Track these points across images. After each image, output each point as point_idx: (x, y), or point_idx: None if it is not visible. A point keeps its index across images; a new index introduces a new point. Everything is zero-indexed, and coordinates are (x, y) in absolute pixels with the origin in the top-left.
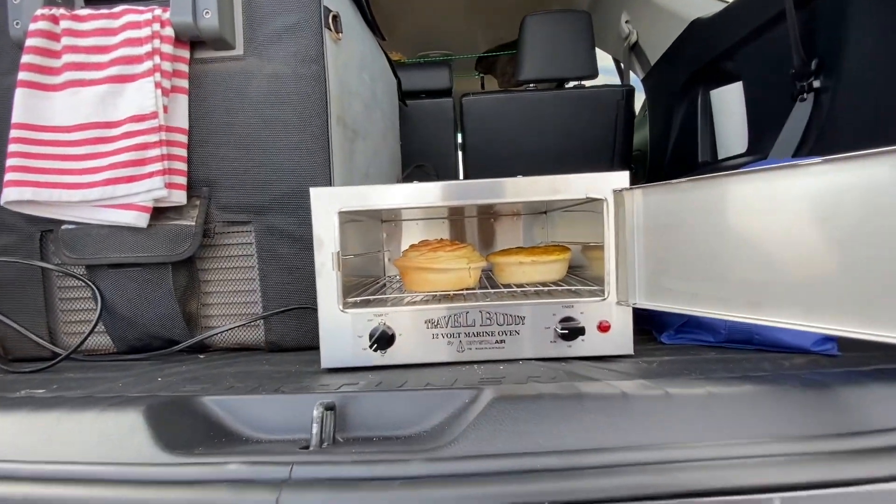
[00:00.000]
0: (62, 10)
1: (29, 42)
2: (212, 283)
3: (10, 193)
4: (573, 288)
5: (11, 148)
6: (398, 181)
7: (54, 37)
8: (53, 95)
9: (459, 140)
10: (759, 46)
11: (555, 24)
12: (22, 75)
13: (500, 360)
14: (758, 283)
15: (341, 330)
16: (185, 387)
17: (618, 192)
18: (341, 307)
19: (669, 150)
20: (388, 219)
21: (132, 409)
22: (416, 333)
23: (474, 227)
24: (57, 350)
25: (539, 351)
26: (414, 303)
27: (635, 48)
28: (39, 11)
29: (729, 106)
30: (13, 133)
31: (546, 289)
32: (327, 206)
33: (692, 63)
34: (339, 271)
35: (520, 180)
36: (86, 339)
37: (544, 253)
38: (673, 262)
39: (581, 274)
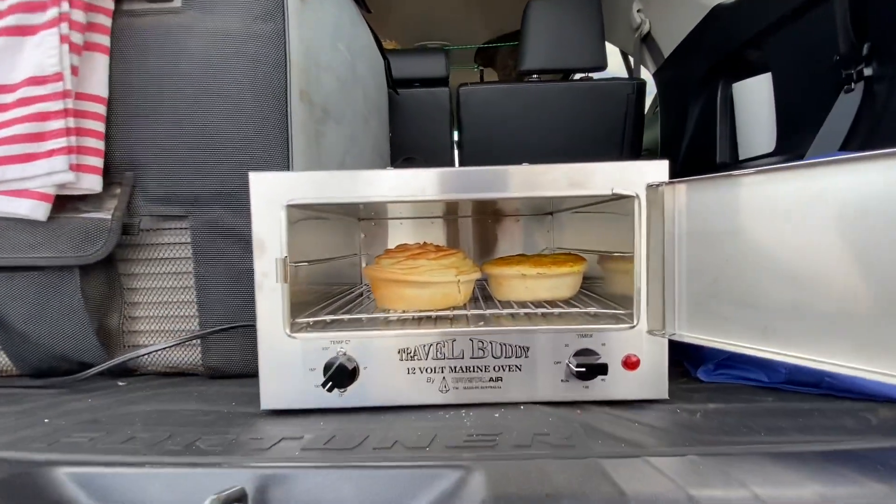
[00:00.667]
0: None
1: None
2: (139, 293)
3: None
4: (591, 311)
5: None
6: None
7: None
8: None
9: (455, 136)
10: (794, 32)
11: (561, 10)
12: None
13: (497, 402)
14: (875, 317)
15: (288, 360)
16: (67, 438)
17: (653, 188)
18: (288, 331)
19: (683, 150)
20: (368, 217)
21: None
22: (387, 367)
23: (469, 230)
24: None
25: (547, 392)
26: (385, 325)
27: (647, 39)
28: None
29: (754, 100)
30: None
31: (556, 311)
32: (271, 196)
33: (712, 54)
34: (286, 283)
35: (527, 169)
36: None
37: (554, 264)
38: (731, 280)
39: (596, 290)
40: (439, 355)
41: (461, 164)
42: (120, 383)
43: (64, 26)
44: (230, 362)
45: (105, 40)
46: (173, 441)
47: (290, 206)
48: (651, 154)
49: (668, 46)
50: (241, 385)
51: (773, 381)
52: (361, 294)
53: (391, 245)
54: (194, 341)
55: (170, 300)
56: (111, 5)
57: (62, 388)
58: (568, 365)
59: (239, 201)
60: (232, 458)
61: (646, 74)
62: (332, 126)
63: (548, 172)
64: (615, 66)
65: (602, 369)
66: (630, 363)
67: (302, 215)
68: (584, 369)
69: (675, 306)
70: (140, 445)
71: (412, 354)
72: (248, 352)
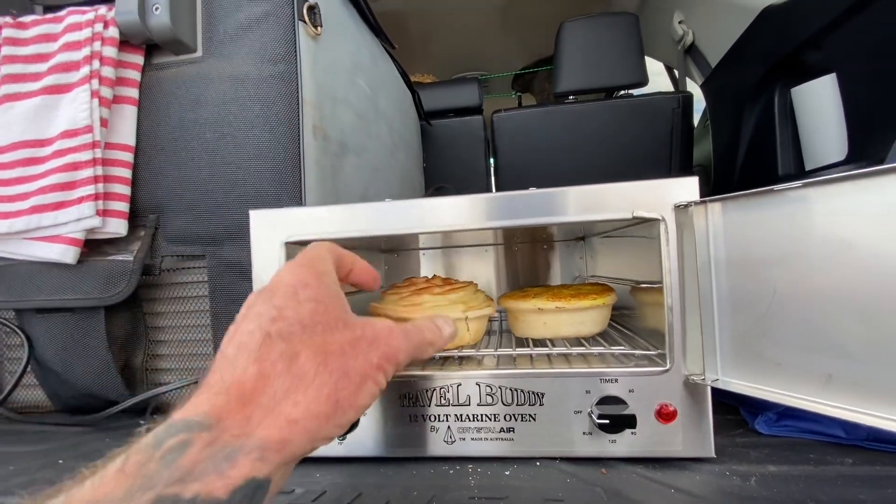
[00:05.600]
0: (7, 19)
1: None
2: (163, 331)
3: None
4: (617, 351)
5: None
6: None
7: None
8: None
9: (492, 162)
10: (860, 26)
11: (596, 29)
12: None
13: (508, 457)
14: None
15: None
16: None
17: (681, 208)
18: None
19: (739, 163)
20: (390, 249)
21: None
22: (388, 413)
23: (499, 258)
24: None
25: (566, 447)
26: None
27: (692, 50)
28: None
29: (818, 105)
30: None
31: (577, 351)
32: (270, 234)
33: (766, 59)
34: None
35: (535, 194)
36: (7, 395)
37: (574, 297)
38: (782, 317)
39: (630, 324)
40: (443, 401)
41: (498, 190)
42: (141, 422)
43: (95, 82)
44: None
45: (134, 93)
46: None
47: (288, 244)
48: (704, 170)
49: (714, 56)
50: None
51: (853, 438)
52: None
53: (421, 275)
54: None
55: (190, 338)
56: (140, 60)
57: (88, 426)
58: (590, 415)
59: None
60: None
61: (692, 87)
62: (352, 159)
63: (559, 196)
64: (660, 81)
65: (630, 421)
66: (665, 414)
67: None
68: (607, 421)
69: (717, 347)
70: None
71: (414, 400)
72: None
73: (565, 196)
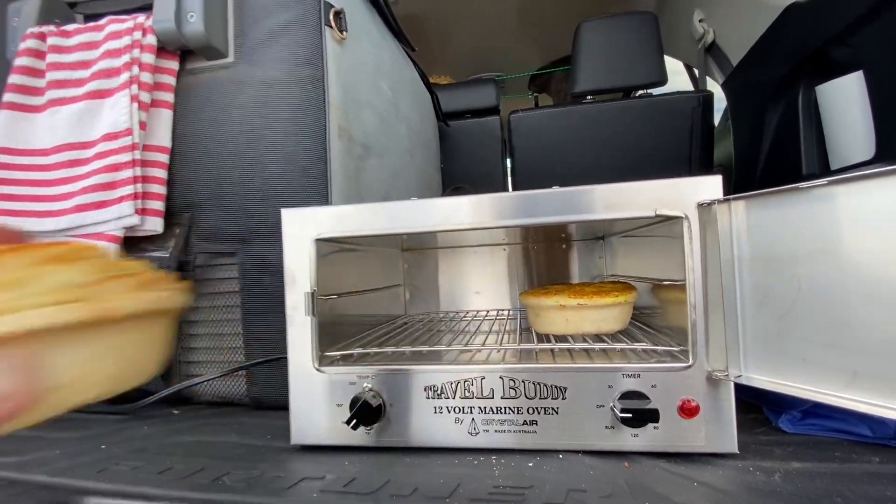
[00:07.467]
0: (52, 27)
1: (17, 62)
2: (197, 325)
3: None
4: (639, 347)
5: None
6: None
7: (41, 55)
8: (35, 117)
9: (508, 163)
10: (888, 22)
11: (615, 28)
12: (7, 97)
13: (531, 449)
14: None
15: (316, 395)
16: (113, 466)
17: (705, 207)
18: (317, 364)
19: (762, 162)
20: (411, 247)
21: None
22: (413, 405)
23: (518, 257)
24: None
25: (588, 440)
26: (414, 360)
27: (712, 49)
28: (30, 30)
29: (844, 103)
30: None
31: (599, 346)
32: (300, 231)
33: (790, 56)
34: (314, 317)
35: (557, 193)
36: None
37: (596, 294)
38: (809, 314)
39: (652, 323)
40: (467, 394)
41: (514, 190)
42: (174, 412)
43: (134, 87)
44: (271, 394)
45: (170, 97)
46: (203, 474)
47: (318, 241)
48: (725, 170)
49: (736, 54)
50: (280, 417)
51: (880, 437)
52: (406, 324)
53: (439, 276)
54: (239, 373)
55: (221, 332)
56: (176, 66)
57: (126, 414)
58: (612, 409)
59: (280, 238)
60: (248, 497)
61: (713, 86)
62: (374, 161)
63: (581, 195)
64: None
65: (652, 415)
66: (687, 409)
67: (336, 248)
68: (630, 415)
69: (740, 343)
70: (173, 477)
71: (438, 392)
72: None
73: (588, 194)
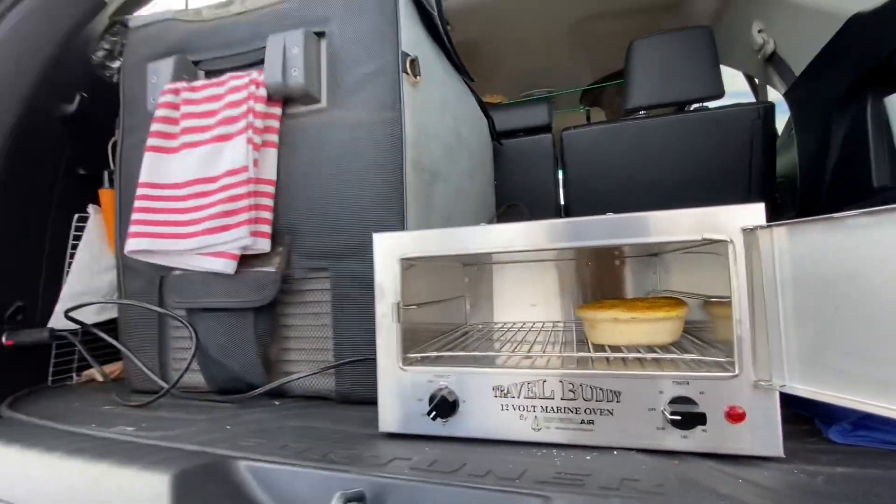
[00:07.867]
0: (183, 83)
1: (157, 113)
2: (292, 329)
3: (132, 243)
4: (688, 357)
5: (137, 204)
6: (489, 222)
7: (175, 106)
8: (172, 157)
9: (560, 178)
10: None
11: (670, 45)
12: (150, 141)
13: (588, 445)
14: None
15: (401, 390)
16: (242, 441)
17: (749, 232)
18: (401, 364)
19: (828, 175)
20: (471, 263)
21: (164, 471)
22: (483, 402)
23: (571, 272)
24: (163, 385)
25: (641, 439)
26: (483, 363)
27: (773, 59)
28: (167, 86)
29: None
30: (139, 191)
31: (650, 356)
32: (389, 252)
33: (855, 67)
34: (400, 324)
35: (611, 220)
36: (180, 377)
37: (649, 308)
38: (847, 330)
39: (703, 336)
40: (530, 394)
41: (567, 206)
42: (276, 402)
43: (249, 132)
44: (355, 390)
45: (275, 138)
46: (313, 451)
47: (402, 259)
48: (788, 181)
49: (798, 64)
50: (364, 410)
51: None
52: (467, 333)
53: (497, 286)
54: (330, 371)
55: (313, 336)
56: (279, 111)
57: (237, 403)
58: (663, 412)
59: (366, 256)
60: (355, 467)
61: (775, 96)
62: (441, 186)
63: (632, 221)
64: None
65: (700, 419)
66: (734, 415)
67: (412, 265)
68: (679, 417)
69: (784, 356)
70: (291, 452)
71: (505, 392)
72: (371, 381)
73: (639, 221)
